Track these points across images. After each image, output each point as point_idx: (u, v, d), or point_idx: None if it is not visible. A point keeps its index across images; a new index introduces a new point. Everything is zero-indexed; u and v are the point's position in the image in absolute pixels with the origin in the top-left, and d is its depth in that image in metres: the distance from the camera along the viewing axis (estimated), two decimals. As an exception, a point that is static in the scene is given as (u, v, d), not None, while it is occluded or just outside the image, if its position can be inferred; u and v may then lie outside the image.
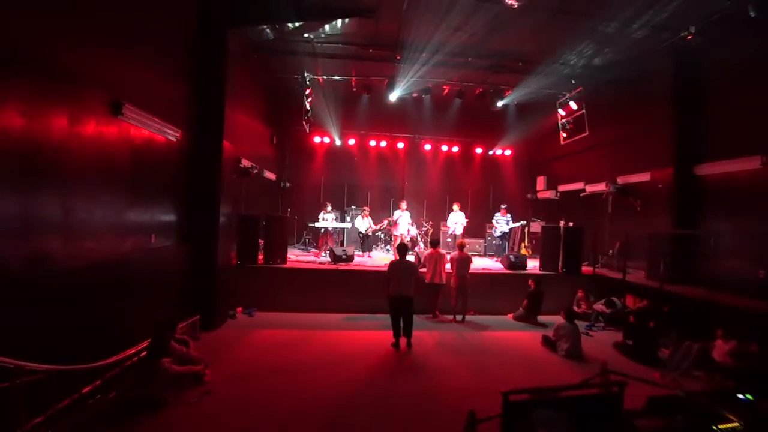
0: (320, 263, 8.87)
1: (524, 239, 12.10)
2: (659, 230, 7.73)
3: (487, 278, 8.68)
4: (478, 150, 14.06)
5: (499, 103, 11.18)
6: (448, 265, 7.88)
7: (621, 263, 8.36)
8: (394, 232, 10.61)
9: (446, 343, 6.58)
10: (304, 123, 10.49)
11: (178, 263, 6.13)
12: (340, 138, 13.13)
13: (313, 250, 11.05)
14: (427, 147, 13.72)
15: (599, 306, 7.93)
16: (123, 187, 4.67)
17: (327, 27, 8.21)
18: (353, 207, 12.36)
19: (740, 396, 2.57)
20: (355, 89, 11.06)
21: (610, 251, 9.36)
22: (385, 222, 11.16)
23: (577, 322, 6.44)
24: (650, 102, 8.43)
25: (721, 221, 7.04)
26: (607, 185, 9.44)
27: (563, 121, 10.37)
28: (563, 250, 8.87)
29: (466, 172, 14.22)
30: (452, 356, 5.96)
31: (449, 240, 11.04)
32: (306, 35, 8.45)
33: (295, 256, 9.79)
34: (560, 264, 8.86)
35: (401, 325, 6.14)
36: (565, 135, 10.46)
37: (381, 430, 3.90)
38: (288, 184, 12.74)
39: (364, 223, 10.89)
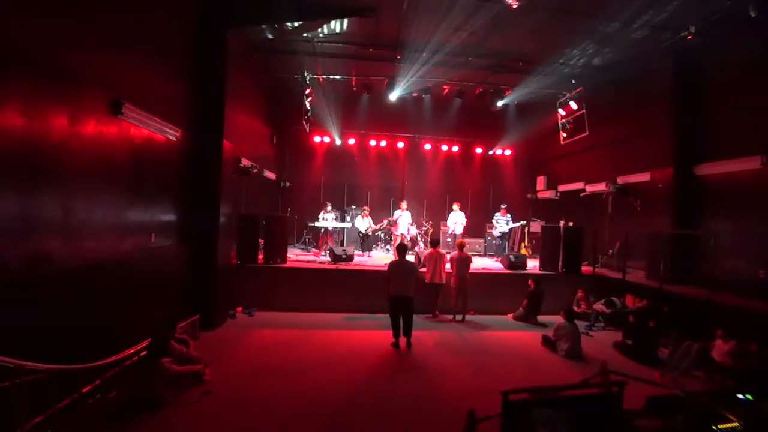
0: (320, 263, 8.87)
1: (524, 239, 12.08)
2: (659, 230, 7.73)
3: (487, 278, 8.68)
4: (478, 150, 14.05)
5: (499, 103, 11.18)
6: (448, 265, 7.89)
7: (621, 263, 8.37)
8: (394, 232, 10.61)
9: (446, 342, 6.58)
10: (304, 122, 10.48)
11: (178, 263, 6.14)
12: (340, 138, 13.12)
13: (313, 249, 11.05)
14: (427, 147, 13.71)
15: (599, 306, 7.93)
16: (123, 187, 4.67)
17: (327, 26, 8.20)
18: (353, 207, 12.35)
19: (740, 396, 2.57)
20: (355, 89, 11.06)
21: (610, 251, 9.36)
22: (385, 222, 11.17)
23: (576, 322, 6.45)
24: (650, 102, 8.44)
25: (721, 221, 7.04)
26: (607, 185, 9.44)
27: (563, 121, 10.36)
28: (563, 250, 8.87)
29: (466, 172, 14.21)
30: (452, 356, 5.96)
31: (449, 240, 11.03)
32: (306, 35, 8.44)
33: (295, 255, 9.79)
34: (560, 264, 8.86)
35: (401, 324, 6.15)
36: (565, 135, 10.46)
37: (381, 430, 3.90)
38: (288, 184, 12.73)
39: (364, 223, 10.88)
